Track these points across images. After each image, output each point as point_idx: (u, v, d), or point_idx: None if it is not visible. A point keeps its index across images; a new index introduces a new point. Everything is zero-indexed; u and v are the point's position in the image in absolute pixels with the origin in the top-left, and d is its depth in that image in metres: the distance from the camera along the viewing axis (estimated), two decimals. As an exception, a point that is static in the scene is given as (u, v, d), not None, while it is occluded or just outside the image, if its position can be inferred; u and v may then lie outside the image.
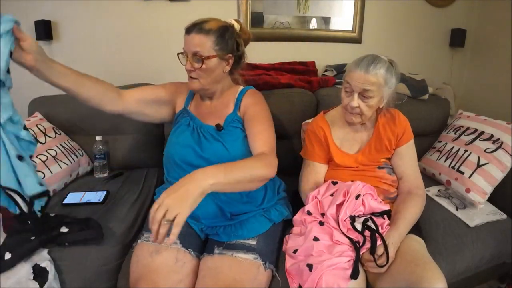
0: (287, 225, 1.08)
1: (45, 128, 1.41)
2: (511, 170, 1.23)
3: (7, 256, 0.85)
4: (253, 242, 0.94)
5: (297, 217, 1.02)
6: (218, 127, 1.02)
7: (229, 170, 0.75)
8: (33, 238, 0.91)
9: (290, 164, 1.33)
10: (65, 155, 1.39)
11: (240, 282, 0.83)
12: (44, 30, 1.69)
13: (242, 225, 0.98)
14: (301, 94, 1.57)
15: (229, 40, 0.99)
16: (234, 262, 0.87)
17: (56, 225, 0.99)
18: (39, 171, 1.26)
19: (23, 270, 0.85)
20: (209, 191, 0.71)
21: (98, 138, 1.47)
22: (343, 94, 1.05)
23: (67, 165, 1.38)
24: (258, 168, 0.83)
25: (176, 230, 0.64)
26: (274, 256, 0.97)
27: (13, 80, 0.81)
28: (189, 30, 0.95)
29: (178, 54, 0.98)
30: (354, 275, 0.81)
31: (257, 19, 1.87)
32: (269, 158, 0.89)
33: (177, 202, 0.66)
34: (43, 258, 0.90)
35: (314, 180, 1.12)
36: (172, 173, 1.05)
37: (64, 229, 0.96)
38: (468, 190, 1.23)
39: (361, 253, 0.88)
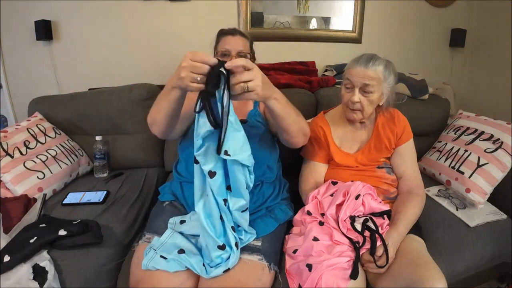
0: (289, 226, 1.08)
1: (45, 128, 1.41)
2: (511, 170, 1.23)
3: (6, 258, 0.85)
4: (258, 243, 0.94)
5: (297, 217, 1.02)
6: (242, 121, 1.07)
7: (288, 103, 0.86)
8: (32, 241, 0.91)
9: (290, 164, 1.33)
10: (65, 155, 1.39)
11: (244, 283, 0.83)
12: (44, 30, 1.69)
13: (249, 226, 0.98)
14: (301, 94, 1.57)
15: (252, 47, 1.16)
16: (239, 263, 0.86)
17: (55, 227, 0.98)
18: (39, 171, 1.26)
19: (23, 270, 0.85)
20: (271, 100, 0.79)
21: (98, 138, 1.47)
22: (343, 91, 1.05)
23: (67, 165, 1.38)
24: (304, 122, 0.95)
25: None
26: (278, 257, 0.97)
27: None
28: (233, 32, 1.10)
29: (215, 52, 1.10)
30: (353, 275, 0.81)
31: (257, 19, 1.87)
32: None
33: (263, 82, 0.72)
34: (42, 258, 0.90)
35: (314, 180, 1.12)
36: (191, 166, 1.05)
37: (62, 232, 0.96)
38: (468, 190, 1.23)
39: (360, 253, 0.88)
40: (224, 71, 0.69)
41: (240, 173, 0.81)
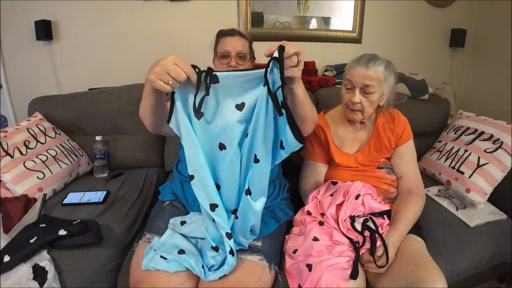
0: (289, 226, 1.08)
1: (45, 128, 1.41)
2: (511, 170, 1.22)
3: (6, 258, 0.85)
4: (258, 244, 0.94)
5: (297, 217, 1.02)
6: None
7: (305, 89, 0.83)
8: (32, 241, 0.91)
9: (290, 164, 1.33)
10: (65, 155, 1.39)
11: (245, 283, 0.83)
12: (44, 30, 1.69)
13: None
14: (301, 94, 1.56)
15: (251, 47, 1.16)
16: (239, 264, 0.87)
17: (55, 227, 0.98)
18: (39, 171, 1.26)
19: (23, 270, 0.85)
20: (298, 82, 0.76)
21: (98, 138, 1.47)
22: (343, 92, 1.05)
23: (67, 165, 1.38)
24: (316, 112, 0.94)
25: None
26: (278, 257, 0.97)
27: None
28: (232, 33, 1.10)
29: (215, 53, 1.11)
30: (353, 275, 0.81)
31: (257, 19, 1.87)
32: None
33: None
34: (42, 258, 0.90)
35: (314, 180, 1.12)
36: None
37: (62, 232, 0.96)
38: (468, 190, 1.23)
39: (360, 253, 0.88)
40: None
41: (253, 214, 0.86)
